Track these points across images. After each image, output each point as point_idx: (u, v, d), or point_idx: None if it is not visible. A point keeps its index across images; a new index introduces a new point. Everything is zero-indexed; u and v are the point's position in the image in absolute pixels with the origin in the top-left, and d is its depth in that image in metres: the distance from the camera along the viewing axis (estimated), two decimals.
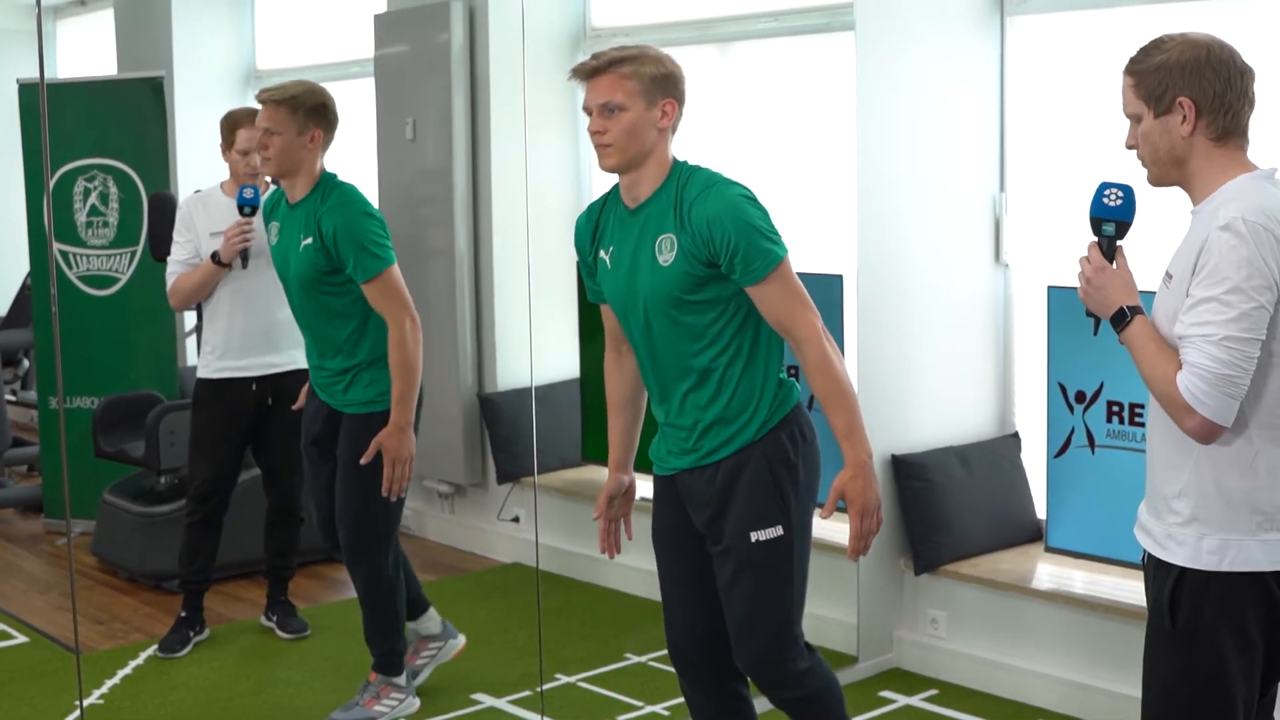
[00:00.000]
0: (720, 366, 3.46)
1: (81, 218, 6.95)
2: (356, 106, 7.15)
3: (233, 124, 5.52)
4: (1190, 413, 2.75)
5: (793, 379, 3.59)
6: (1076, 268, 3.00)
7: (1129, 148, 2.95)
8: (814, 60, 5.85)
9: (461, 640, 5.19)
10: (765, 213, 3.41)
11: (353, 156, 7.15)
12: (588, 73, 3.45)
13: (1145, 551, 3.00)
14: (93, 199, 6.99)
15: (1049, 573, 5.03)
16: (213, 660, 5.46)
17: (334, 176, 4.71)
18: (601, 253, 3.56)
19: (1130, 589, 4.73)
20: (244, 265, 5.36)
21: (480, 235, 6.68)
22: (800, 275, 5.37)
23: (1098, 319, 3.00)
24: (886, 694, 5.02)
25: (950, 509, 5.14)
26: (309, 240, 4.57)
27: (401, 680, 4.91)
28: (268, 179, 5.38)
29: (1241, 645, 2.86)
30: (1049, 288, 4.97)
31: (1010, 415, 5.51)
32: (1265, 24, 4.62)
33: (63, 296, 6.79)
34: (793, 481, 3.51)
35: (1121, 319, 2.90)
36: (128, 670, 5.34)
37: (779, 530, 3.49)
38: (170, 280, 5.50)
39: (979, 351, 5.42)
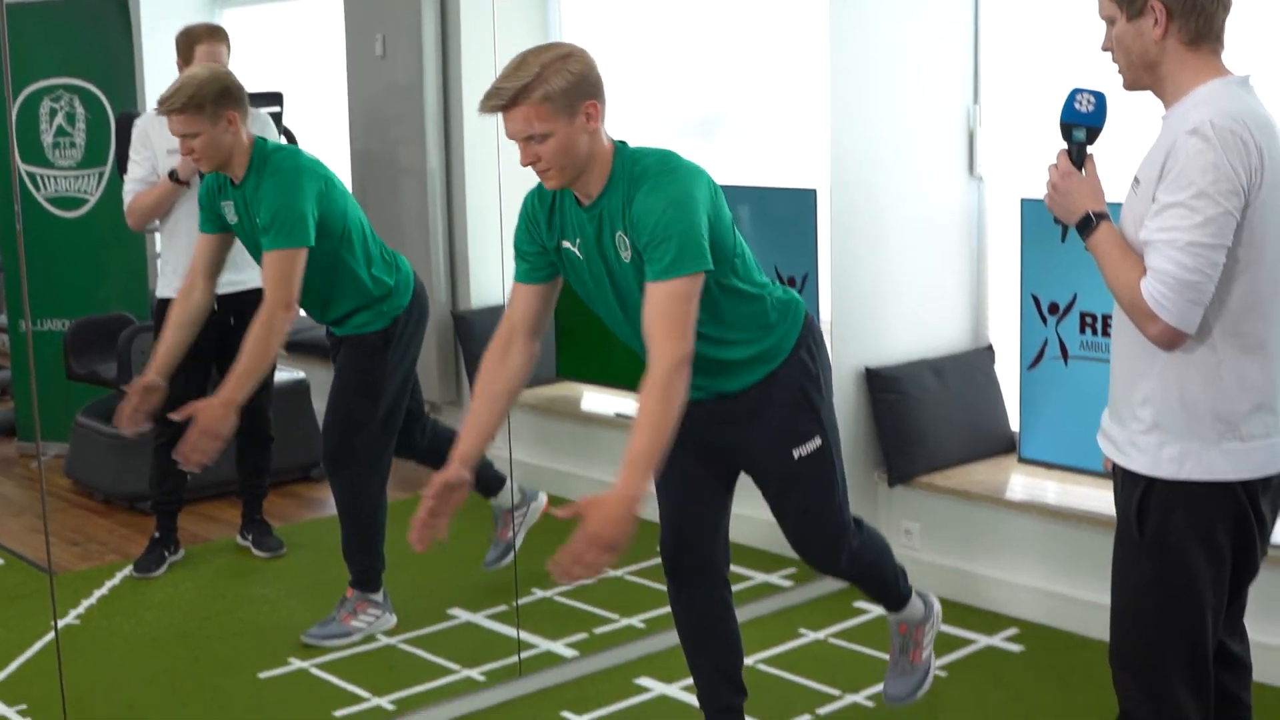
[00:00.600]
0: (716, 330, 3.41)
1: (48, 139, 6.88)
2: (325, 23, 7.09)
3: (190, 40, 5.44)
4: (1153, 318, 2.73)
5: (793, 292, 3.59)
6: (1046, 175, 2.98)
7: (1104, 50, 2.92)
8: None
9: (543, 498, 5.34)
10: (707, 204, 3.27)
11: (322, 74, 7.10)
12: (497, 108, 3.25)
13: (1110, 460, 3.01)
14: (59, 119, 6.91)
15: (1022, 483, 5.05)
16: (188, 580, 5.47)
17: (265, 145, 4.66)
18: (566, 243, 3.44)
19: (1102, 499, 4.75)
20: (202, 179, 5.27)
21: (451, 153, 6.63)
22: (774, 190, 5.41)
23: (1065, 226, 2.97)
24: (861, 604, 5.05)
25: (924, 421, 5.16)
26: (259, 218, 4.58)
27: (378, 596, 4.93)
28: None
29: (1210, 554, 2.86)
30: (1022, 200, 4.97)
31: (984, 327, 5.52)
32: None
33: (30, 218, 6.73)
34: (818, 390, 3.56)
35: (1087, 225, 2.88)
36: (103, 591, 5.35)
37: (818, 441, 3.56)
38: (127, 199, 5.46)
39: (952, 264, 5.42)
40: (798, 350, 3.54)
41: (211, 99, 4.55)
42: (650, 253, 3.21)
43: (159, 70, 7.89)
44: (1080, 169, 2.93)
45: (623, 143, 3.36)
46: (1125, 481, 2.94)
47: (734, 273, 3.42)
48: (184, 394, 5.44)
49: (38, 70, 6.88)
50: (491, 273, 6.49)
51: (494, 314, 6.44)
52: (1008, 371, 5.30)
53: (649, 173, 3.28)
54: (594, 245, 3.38)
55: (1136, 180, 2.87)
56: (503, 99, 3.21)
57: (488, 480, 5.21)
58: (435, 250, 6.63)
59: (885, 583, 3.95)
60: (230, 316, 5.36)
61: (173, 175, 5.31)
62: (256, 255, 4.72)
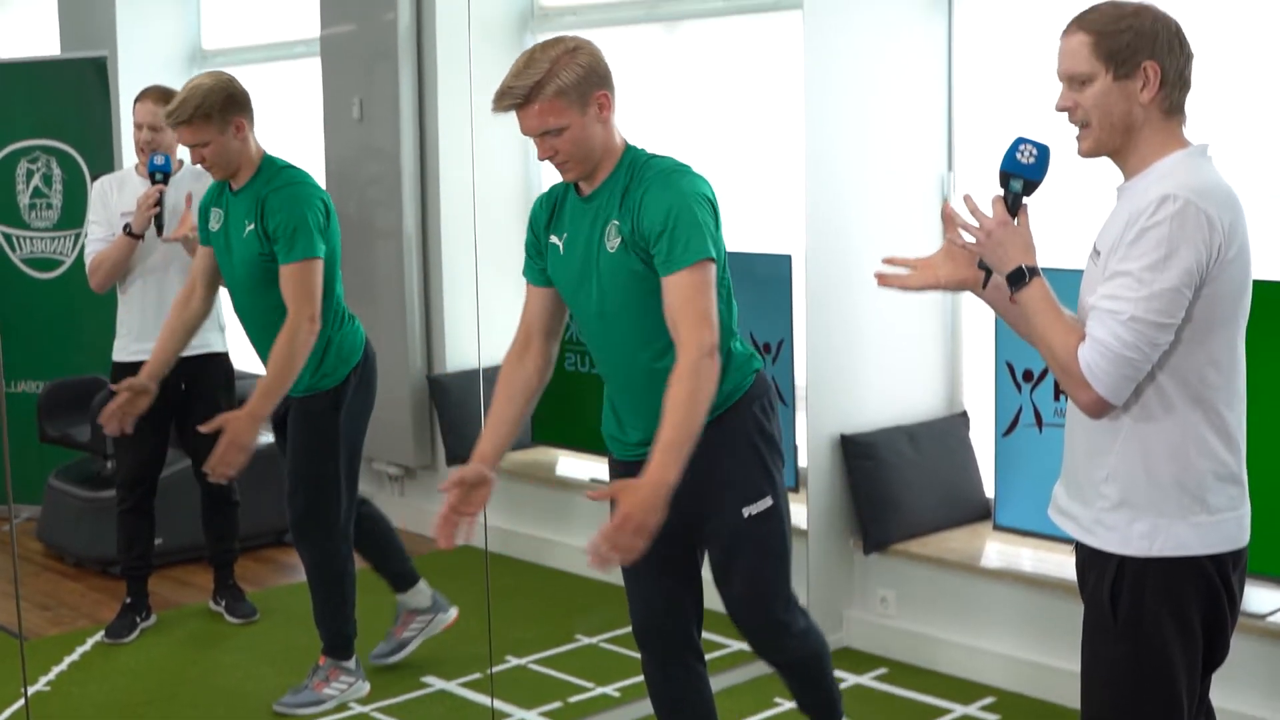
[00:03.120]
0: (668, 345, 3.37)
1: (24, 199, 6.87)
2: (303, 86, 7.10)
3: (135, 101, 5.47)
4: (1086, 387, 2.70)
5: (750, 348, 3.58)
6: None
7: (1060, 110, 2.87)
8: (761, 39, 5.84)
9: (453, 613, 5.21)
10: (712, 216, 3.35)
11: (299, 137, 7.11)
12: (510, 107, 3.33)
13: (1076, 541, 2.95)
14: (36, 180, 6.91)
15: (997, 551, 5.05)
16: (160, 645, 5.42)
17: (276, 160, 4.69)
18: (554, 238, 3.52)
19: None
20: (159, 233, 5.27)
21: (428, 216, 6.64)
22: (749, 255, 5.42)
23: (988, 271, 2.92)
24: (837, 673, 5.01)
25: (899, 488, 5.15)
26: (251, 226, 4.56)
27: (351, 664, 4.89)
28: (179, 152, 5.35)
29: (1184, 634, 2.80)
30: None
31: (959, 394, 5.52)
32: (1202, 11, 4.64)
33: (5, 279, 6.71)
34: (770, 450, 3.54)
35: (1019, 279, 2.81)
36: (74, 657, 5.30)
37: (769, 502, 3.53)
38: (88, 260, 5.44)
39: (927, 330, 5.43)
40: (750, 403, 3.51)
41: (219, 107, 4.57)
42: (660, 246, 3.27)
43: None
44: (1014, 219, 2.86)
45: (638, 147, 3.45)
46: (1093, 561, 2.89)
47: (719, 299, 3.41)
48: (145, 456, 5.44)
49: (16, 131, 6.88)
50: (467, 336, 6.49)
51: (469, 377, 6.48)
52: (983, 438, 5.30)
53: (660, 170, 3.36)
54: (584, 235, 3.43)
55: (1096, 251, 2.83)
56: (516, 97, 3.29)
57: (403, 574, 5.12)
58: (411, 313, 6.62)
59: (823, 686, 3.87)
60: (181, 381, 5.32)
61: (127, 229, 5.28)
62: (225, 263, 4.68)
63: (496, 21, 6.65)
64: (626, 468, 3.52)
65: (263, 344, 4.68)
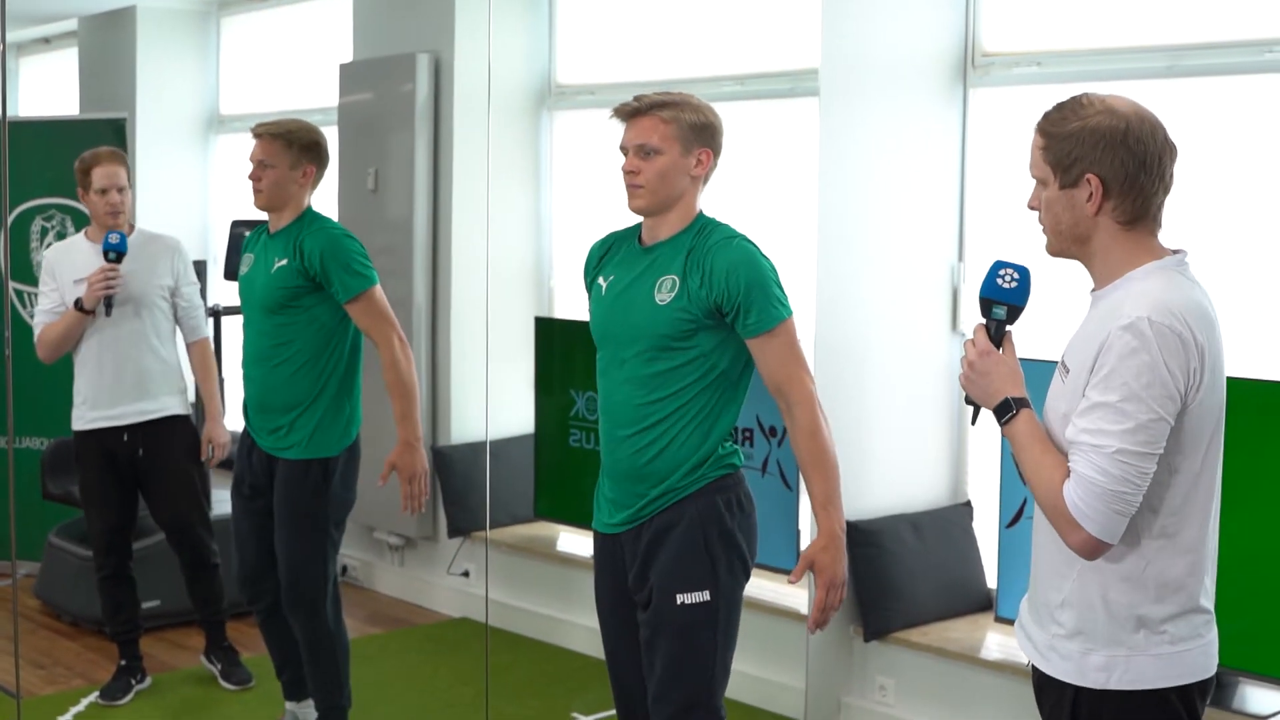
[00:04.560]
0: (667, 415, 3.42)
1: (38, 257, 6.91)
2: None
3: (86, 166, 5.35)
4: (1075, 528, 2.52)
5: (736, 446, 3.55)
6: (1021, 349, 2.77)
7: (1030, 208, 2.71)
8: (777, 125, 5.88)
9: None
10: (777, 274, 3.45)
11: (314, 205, 7.15)
12: (629, 114, 3.48)
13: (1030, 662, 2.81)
14: (50, 238, 6.95)
15: (998, 642, 5.02)
16: (155, 709, 5.40)
17: (320, 214, 4.73)
18: (600, 279, 3.57)
19: None
20: (107, 312, 5.20)
21: (439, 287, 6.67)
22: None
23: (977, 407, 2.75)
24: None
25: (901, 576, 5.14)
26: (284, 261, 4.56)
27: None
28: (132, 223, 5.39)
29: None
30: None
31: (963, 484, 5.52)
32: (1219, 104, 4.68)
33: (16, 336, 6.73)
34: (726, 549, 3.45)
35: (1006, 411, 2.66)
36: (68, 717, 5.27)
37: (705, 595, 3.44)
38: (36, 330, 5.36)
39: (933, 419, 5.43)
40: (713, 494, 3.46)
41: (302, 143, 4.63)
42: (748, 303, 3.36)
43: (153, 194, 7.97)
44: (999, 347, 2.72)
45: (709, 216, 3.52)
46: (1047, 686, 2.72)
47: (738, 376, 3.48)
48: (114, 522, 5.41)
49: (32, 189, 6.93)
50: (474, 409, 6.51)
51: (474, 450, 6.49)
52: (986, 529, 5.29)
53: (723, 234, 3.46)
54: (633, 280, 3.47)
55: (1065, 368, 2.66)
56: (641, 102, 3.45)
57: (299, 681, 4.94)
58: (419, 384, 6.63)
59: None
60: (138, 447, 5.32)
61: (78, 304, 5.21)
62: (248, 299, 4.68)
63: (514, 97, 6.70)
64: (607, 543, 3.58)
65: (263, 385, 4.66)
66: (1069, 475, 2.54)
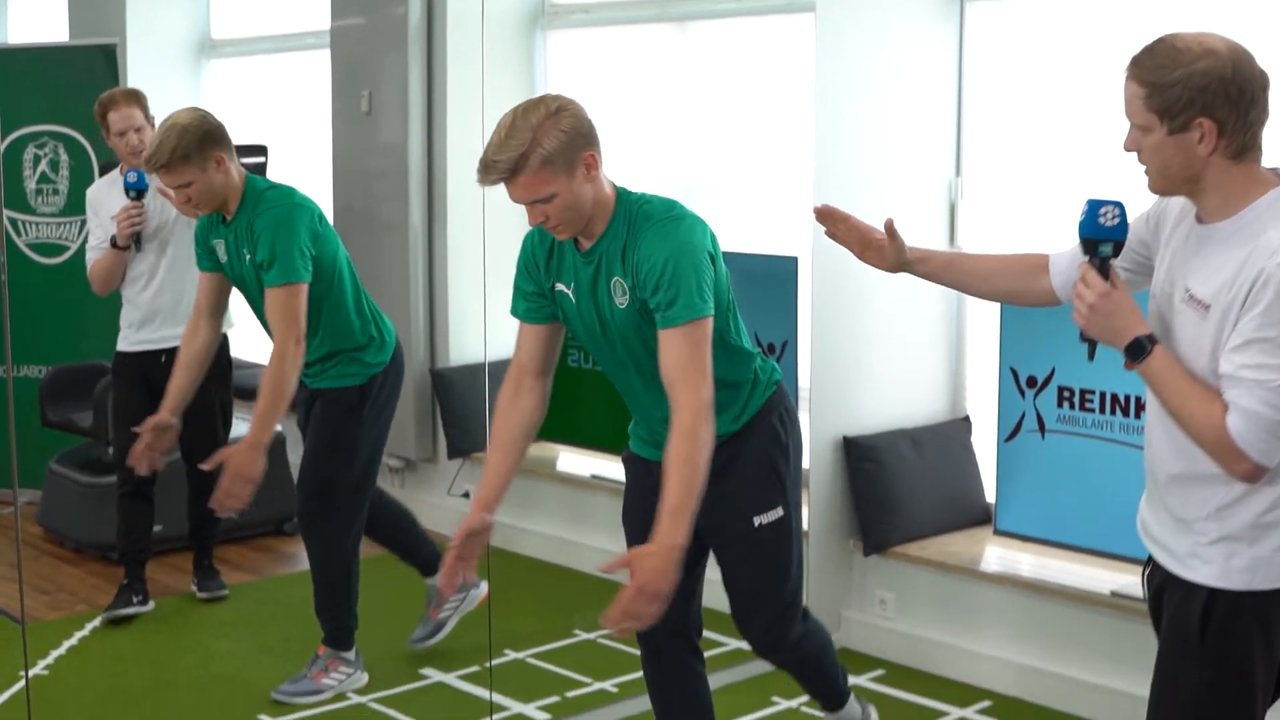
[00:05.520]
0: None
1: (31, 185, 6.89)
2: (312, 78, 7.11)
3: (102, 111, 5.48)
4: (1241, 458, 2.61)
5: (771, 362, 3.61)
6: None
7: (1128, 150, 2.75)
8: (772, 41, 5.85)
9: (484, 588, 5.17)
10: (709, 261, 3.31)
11: (307, 128, 7.12)
12: (497, 181, 3.23)
13: (1153, 564, 2.90)
14: (43, 166, 6.92)
15: (997, 556, 5.05)
16: (159, 632, 5.43)
17: (257, 183, 4.68)
18: (560, 285, 3.46)
19: (1077, 573, 4.76)
20: (137, 248, 5.41)
21: (435, 210, 6.65)
22: (756, 256, 5.42)
23: (1093, 343, 2.79)
24: None
25: (900, 491, 5.16)
26: (249, 255, 4.59)
27: (350, 654, 4.90)
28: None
29: (1269, 660, 2.76)
30: None
31: (962, 399, 5.53)
32: (1233, 12, 4.65)
33: (11, 264, 6.73)
34: (786, 462, 3.58)
35: (1140, 351, 2.70)
36: (73, 641, 5.31)
37: (779, 512, 3.58)
38: (89, 267, 5.58)
39: (931, 335, 5.44)
40: (769, 415, 3.56)
41: (196, 146, 4.53)
42: (658, 299, 3.25)
43: None
44: (1108, 283, 2.75)
45: (624, 189, 3.38)
46: (1176, 586, 2.81)
47: (726, 326, 3.44)
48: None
49: (24, 116, 6.89)
50: (472, 330, 6.50)
51: (473, 371, 6.49)
52: (985, 443, 5.31)
53: (653, 219, 3.31)
54: (589, 290, 3.40)
55: (1202, 304, 2.69)
56: (502, 172, 3.18)
57: (427, 558, 5.15)
58: (415, 306, 6.63)
59: (825, 675, 3.95)
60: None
61: (113, 242, 5.40)
62: (246, 293, 4.73)
63: (507, 17, 6.65)
64: (642, 465, 3.61)
65: None
66: (1225, 408, 2.60)
